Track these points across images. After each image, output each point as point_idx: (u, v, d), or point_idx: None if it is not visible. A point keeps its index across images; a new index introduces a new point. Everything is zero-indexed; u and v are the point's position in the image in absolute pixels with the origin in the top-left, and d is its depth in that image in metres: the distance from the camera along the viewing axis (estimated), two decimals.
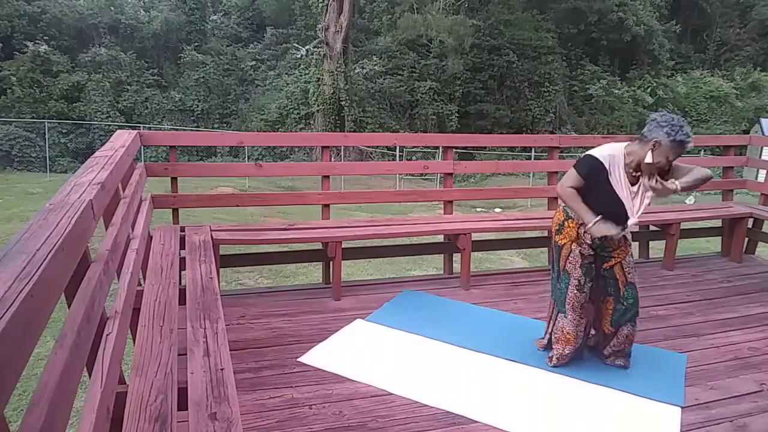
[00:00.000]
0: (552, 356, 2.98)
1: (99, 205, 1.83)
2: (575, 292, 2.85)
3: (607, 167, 2.71)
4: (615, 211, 2.74)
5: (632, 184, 2.75)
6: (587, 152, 2.79)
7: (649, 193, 2.73)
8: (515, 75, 25.90)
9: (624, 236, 2.86)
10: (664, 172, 2.72)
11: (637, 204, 2.76)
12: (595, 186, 2.74)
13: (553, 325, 2.99)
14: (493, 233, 4.84)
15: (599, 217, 2.70)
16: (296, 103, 23.93)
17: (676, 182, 2.69)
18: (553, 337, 2.99)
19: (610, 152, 2.73)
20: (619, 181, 2.73)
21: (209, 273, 2.64)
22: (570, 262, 2.86)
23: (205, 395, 1.54)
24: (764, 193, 5.22)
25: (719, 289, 4.21)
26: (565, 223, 2.88)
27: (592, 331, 3.08)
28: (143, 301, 2.18)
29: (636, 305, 2.92)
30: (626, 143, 2.78)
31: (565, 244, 2.87)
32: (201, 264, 2.80)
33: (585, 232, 2.80)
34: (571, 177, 2.78)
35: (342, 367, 2.85)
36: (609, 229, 2.70)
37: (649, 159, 2.63)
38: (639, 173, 2.73)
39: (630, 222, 2.76)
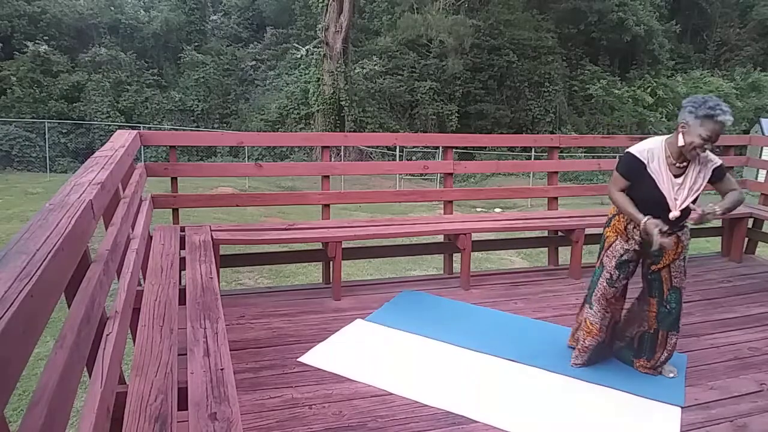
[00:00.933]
0: (575, 349, 2.98)
1: (99, 205, 1.83)
2: (605, 284, 2.86)
3: (644, 161, 2.68)
4: (656, 204, 2.68)
5: (676, 176, 2.67)
6: (627, 150, 2.77)
7: (697, 186, 2.67)
8: (515, 75, 25.91)
9: (678, 236, 2.77)
10: (715, 153, 2.66)
11: (682, 196, 2.67)
12: (637, 181, 2.71)
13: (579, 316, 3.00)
14: (493, 233, 4.84)
15: (648, 216, 2.64)
16: (296, 103, 23.94)
17: (716, 207, 2.64)
18: (577, 328, 2.99)
19: (649, 146, 2.71)
20: (659, 174, 2.67)
21: (209, 273, 2.64)
22: (608, 255, 2.86)
23: (205, 395, 1.54)
24: (764, 193, 5.22)
25: (719, 289, 4.21)
26: (615, 217, 2.86)
27: (627, 335, 3.02)
28: (143, 301, 2.18)
29: (678, 310, 2.86)
30: (668, 136, 2.74)
31: (609, 236, 2.87)
32: (201, 264, 2.80)
33: (634, 228, 2.76)
34: (614, 179, 2.78)
35: (342, 367, 2.85)
36: (659, 226, 2.60)
37: (681, 142, 2.58)
38: (685, 164, 2.66)
39: (671, 215, 2.67)
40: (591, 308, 2.92)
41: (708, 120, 2.49)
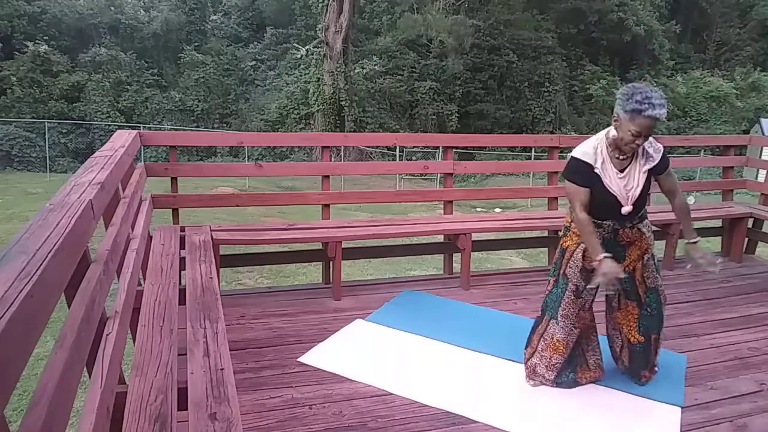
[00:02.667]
0: (533, 366, 2.76)
1: (99, 205, 1.83)
2: (572, 297, 2.65)
3: (590, 162, 2.50)
4: (609, 204, 2.53)
5: (621, 170, 2.52)
6: (570, 155, 2.58)
7: (642, 178, 2.52)
8: (515, 75, 25.92)
9: (640, 230, 2.64)
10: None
11: (631, 189, 2.52)
12: (590, 185, 2.53)
13: (542, 333, 2.76)
14: (493, 233, 4.84)
15: (608, 254, 2.46)
16: (296, 103, 23.95)
17: (693, 239, 2.59)
18: (540, 345, 2.75)
19: (592, 145, 2.54)
20: (606, 171, 2.51)
21: (209, 273, 2.64)
22: (570, 267, 2.65)
23: (205, 395, 1.54)
24: (764, 193, 5.21)
25: (719, 289, 4.20)
26: (573, 224, 2.67)
27: (608, 348, 2.89)
28: (143, 301, 2.18)
29: (660, 312, 2.72)
30: (607, 129, 2.55)
31: (569, 246, 2.67)
32: (201, 264, 2.80)
33: (606, 234, 2.59)
34: (574, 193, 2.54)
35: (342, 367, 2.85)
36: (616, 271, 2.43)
37: (612, 133, 2.44)
38: (625, 156, 2.50)
39: (624, 210, 2.52)
40: (557, 323, 2.69)
41: (637, 115, 2.30)
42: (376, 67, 24.39)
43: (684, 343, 3.28)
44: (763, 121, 22.60)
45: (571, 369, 2.77)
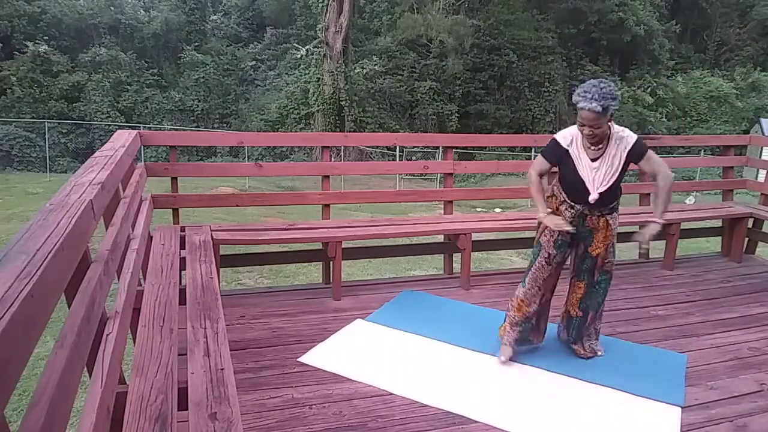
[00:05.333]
0: (504, 327, 3.04)
1: (99, 205, 1.83)
2: (542, 263, 2.92)
3: (564, 146, 2.76)
4: (578, 187, 2.76)
5: (594, 159, 2.72)
6: (554, 135, 2.87)
7: (614, 168, 2.71)
8: (515, 75, 25.92)
9: (607, 221, 2.83)
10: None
11: (599, 179, 2.72)
12: (561, 164, 2.81)
13: (512, 296, 3.07)
14: (493, 233, 4.84)
15: (550, 211, 2.83)
16: (296, 103, 23.95)
17: (656, 219, 2.74)
18: (509, 305, 3.06)
19: (571, 131, 2.77)
20: (578, 158, 2.74)
21: (209, 273, 2.64)
22: (545, 236, 2.92)
23: (205, 395, 1.54)
24: (764, 193, 5.21)
25: (719, 289, 4.21)
26: (549, 198, 2.93)
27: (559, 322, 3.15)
28: (143, 301, 2.18)
29: (604, 293, 2.97)
30: None
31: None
32: (201, 264, 2.80)
33: (566, 208, 2.84)
34: (537, 160, 2.88)
35: (342, 367, 2.85)
36: (558, 224, 2.76)
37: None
38: (602, 147, 2.70)
39: (590, 198, 2.74)
40: (524, 286, 2.99)
41: (580, 109, 2.55)
42: (376, 67, 24.39)
43: (684, 343, 3.28)
44: (763, 121, 22.61)
45: (529, 329, 3.03)
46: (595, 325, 3.07)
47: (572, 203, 2.82)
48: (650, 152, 2.73)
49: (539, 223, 2.94)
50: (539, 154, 2.90)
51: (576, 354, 3.07)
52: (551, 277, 2.98)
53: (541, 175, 2.87)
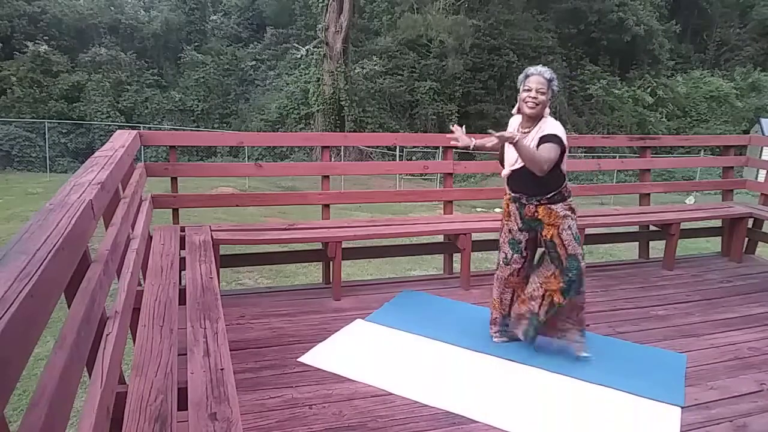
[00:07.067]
0: (490, 325, 3.26)
1: (99, 205, 1.83)
2: (501, 264, 3.16)
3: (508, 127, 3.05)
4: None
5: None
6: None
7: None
8: (515, 75, 25.52)
9: (549, 208, 2.91)
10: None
11: (513, 156, 2.89)
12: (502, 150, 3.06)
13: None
14: (493, 233, 4.83)
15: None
16: (296, 103, 23.96)
17: (503, 134, 2.79)
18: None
19: (512, 123, 3.07)
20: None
21: (209, 273, 2.64)
22: (502, 237, 3.14)
23: (205, 395, 1.54)
24: (764, 193, 5.21)
25: (719, 289, 4.21)
26: (503, 200, 3.13)
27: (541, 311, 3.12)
28: (143, 301, 2.18)
29: (579, 278, 2.95)
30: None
31: (502, 221, 3.16)
32: (201, 264, 2.80)
33: (517, 208, 3.01)
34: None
35: (342, 367, 2.85)
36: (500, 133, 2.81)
37: (516, 108, 2.98)
38: (527, 131, 2.90)
39: (502, 173, 3.00)
40: (494, 286, 3.24)
41: (525, 78, 2.90)
42: (376, 67, 24.39)
43: (684, 343, 3.28)
44: (763, 121, 22.62)
45: (511, 325, 3.20)
46: (574, 314, 3.02)
47: (510, 191, 3.04)
48: (549, 144, 2.77)
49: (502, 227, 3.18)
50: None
51: (546, 334, 3.11)
52: (513, 276, 3.14)
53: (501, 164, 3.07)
